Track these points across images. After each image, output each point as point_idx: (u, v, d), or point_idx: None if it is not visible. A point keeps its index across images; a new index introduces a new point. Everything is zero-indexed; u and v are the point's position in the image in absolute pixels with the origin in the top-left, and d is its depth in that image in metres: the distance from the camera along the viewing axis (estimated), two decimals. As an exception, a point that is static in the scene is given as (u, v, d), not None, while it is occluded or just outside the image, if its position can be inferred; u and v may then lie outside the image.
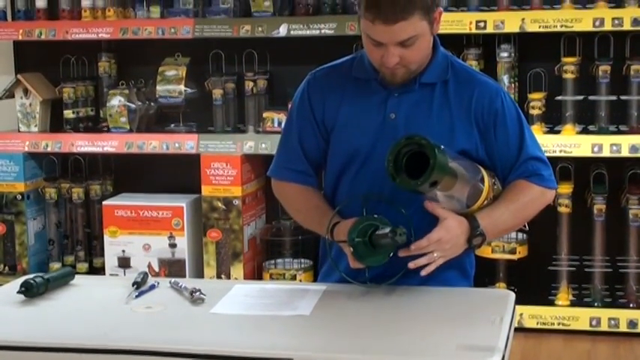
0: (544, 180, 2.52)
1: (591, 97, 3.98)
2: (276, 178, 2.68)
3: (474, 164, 2.46)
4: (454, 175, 2.32)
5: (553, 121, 4.08)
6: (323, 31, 4.07)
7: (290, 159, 2.64)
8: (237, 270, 4.21)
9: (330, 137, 2.57)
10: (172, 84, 4.36)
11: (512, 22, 3.89)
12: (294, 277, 4.19)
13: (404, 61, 2.40)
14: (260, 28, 4.13)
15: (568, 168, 3.95)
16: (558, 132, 3.98)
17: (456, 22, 3.92)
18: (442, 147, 2.29)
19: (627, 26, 3.79)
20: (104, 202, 4.37)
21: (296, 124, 2.62)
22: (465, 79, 2.53)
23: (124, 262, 4.31)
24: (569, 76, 3.95)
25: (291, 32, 4.11)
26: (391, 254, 2.38)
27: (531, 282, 4.10)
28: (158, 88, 4.37)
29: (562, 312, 4.00)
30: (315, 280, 2.92)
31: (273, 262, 4.31)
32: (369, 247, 2.38)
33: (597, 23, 3.80)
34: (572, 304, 4.02)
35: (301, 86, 2.64)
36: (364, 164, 2.51)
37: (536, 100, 3.99)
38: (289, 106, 2.87)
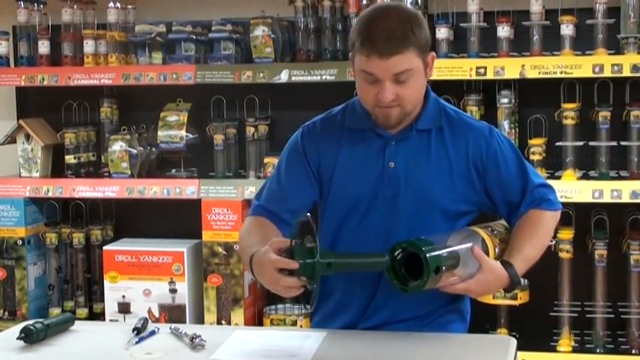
0: (552, 204, 2.62)
1: (591, 143, 3.99)
2: (249, 215, 2.66)
3: (462, 228, 2.52)
4: (454, 253, 2.36)
5: (553, 166, 4.09)
6: (324, 77, 4.09)
7: (267, 201, 2.63)
8: (238, 315, 4.19)
9: (329, 188, 2.57)
10: (174, 129, 4.38)
11: (512, 68, 3.90)
12: (294, 323, 4.18)
13: (399, 99, 2.41)
14: (261, 74, 4.15)
15: (569, 213, 3.95)
16: (559, 177, 3.98)
17: (457, 69, 3.94)
18: (422, 237, 2.35)
19: (627, 72, 3.80)
20: (104, 247, 4.37)
21: (285, 174, 2.62)
22: (459, 125, 2.57)
23: (124, 308, 4.29)
24: (569, 121, 3.97)
25: (293, 78, 4.13)
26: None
27: (533, 328, 4.09)
28: (159, 133, 4.39)
29: (564, 358, 3.97)
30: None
31: (273, 307, 4.29)
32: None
33: (597, 69, 3.82)
34: (574, 350, 4.00)
35: (293, 138, 2.65)
36: (367, 213, 2.52)
37: (537, 146, 4.00)
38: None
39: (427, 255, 2.29)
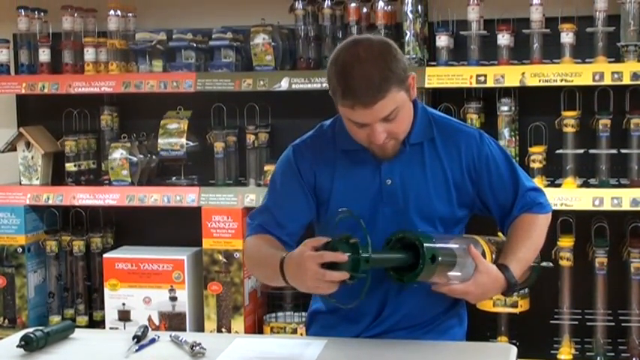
0: (544, 207, 2.63)
1: (592, 151, 3.99)
2: (249, 235, 2.65)
3: (460, 235, 2.56)
4: (450, 251, 2.40)
5: (554, 174, 4.09)
6: (324, 84, 4.07)
7: (267, 224, 2.61)
8: (238, 323, 4.19)
9: (327, 208, 2.55)
10: (174, 137, 4.38)
11: (512, 76, 3.91)
12: (295, 331, 4.17)
13: (391, 134, 2.42)
14: (262, 82, 4.16)
15: (569, 221, 3.95)
16: (559, 185, 3.98)
17: (457, 76, 3.95)
18: (419, 230, 2.41)
19: (627, 80, 3.80)
20: (105, 255, 4.36)
21: (282, 197, 2.61)
22: (450, 132, 2.58)
23: (124, 316, 4.29)
24: (569, 129, 3.97)
25: (293, 86, 4.13)
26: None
27: (533, 336, 4.09)
28: (160, 141, 4.39)
29: (564, 366, 3.98)
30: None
31: (274, 315, 4.29)
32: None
33: (597, 77, 3.82)
34: (575, 358, 4.00)
35: (285, 156, 2.63)
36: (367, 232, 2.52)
37: (537, 154, 4.00)
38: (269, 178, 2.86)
39: (424, 243, 2.31)
